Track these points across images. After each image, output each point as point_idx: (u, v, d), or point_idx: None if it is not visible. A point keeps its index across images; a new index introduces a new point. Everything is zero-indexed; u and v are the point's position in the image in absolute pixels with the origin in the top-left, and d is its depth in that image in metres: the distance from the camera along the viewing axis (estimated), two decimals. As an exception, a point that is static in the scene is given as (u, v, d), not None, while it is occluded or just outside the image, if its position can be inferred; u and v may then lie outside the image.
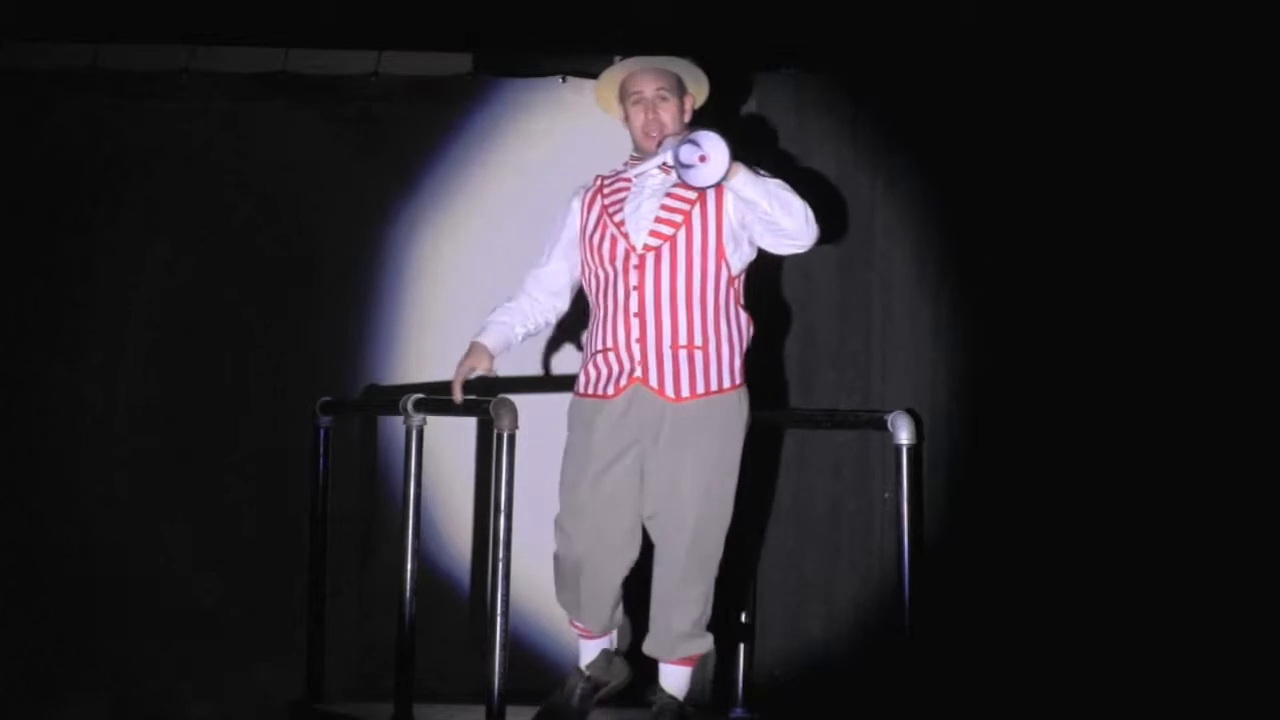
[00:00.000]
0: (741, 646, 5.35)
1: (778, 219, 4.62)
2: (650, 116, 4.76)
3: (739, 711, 5.28)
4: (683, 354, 4.70)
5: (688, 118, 4.82)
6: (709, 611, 4.78)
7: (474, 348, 4.83)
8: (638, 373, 4.71)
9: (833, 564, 6.20)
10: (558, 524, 4.79)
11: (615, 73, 4.82)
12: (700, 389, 4.71)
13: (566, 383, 6.06)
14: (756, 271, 6.11)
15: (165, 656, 6.26)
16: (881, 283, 6.24)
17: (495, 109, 6.38)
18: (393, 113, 6.38)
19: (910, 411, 4.70)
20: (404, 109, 6.38)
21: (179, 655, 6.26)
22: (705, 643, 4.81)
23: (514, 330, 4.88)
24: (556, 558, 4.84)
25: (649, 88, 4.77)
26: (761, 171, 4.68)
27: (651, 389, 4.70)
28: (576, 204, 4.88)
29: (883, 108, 6.24)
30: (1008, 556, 6.00)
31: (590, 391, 4.77)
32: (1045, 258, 6.09)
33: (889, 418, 4.70)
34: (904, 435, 4.66)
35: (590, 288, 4.83)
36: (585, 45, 6.24)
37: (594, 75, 5.88)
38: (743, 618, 5.51)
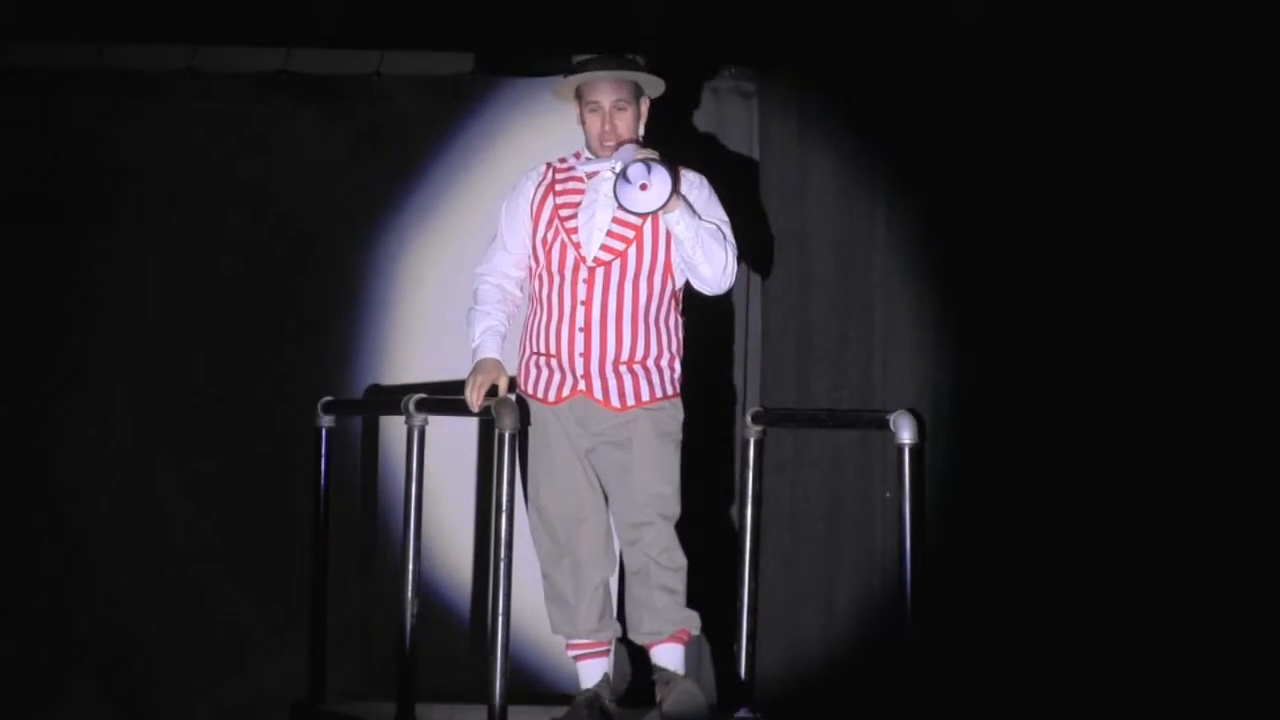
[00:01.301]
0: (743, 647, 5.33)
1: (698, 265, 4.73)
2: (607, 127, 4.81)
3: (741, 712, 5.27)
4: (623, 369, 4.81)
5: (644, 120, 4.88)
6: (685, 580, 4.87)
7: (484, 364, 4.86)
8: (581, 386, 4.82)
9: (834, 564, 6.20)
10: (533, 530, 4.91)
11: (571, 82, 4.88)
12: (645, 397, 4.82)
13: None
14: (757, 271, 6.13)
15: (166, 657, 6.25)
16: (883, 283, 6.24)
17: (497, 109, 6.38)
18: (395, 112, 6.37)
19: (912, 411, 4.70)
20: (406, 108, 6.37)
21: (180, 655, 6.25)
22: (693, 618, 4.89)
23: (505, 327, 4.95)
24: (544, 580, 4.93)
25: (606, 99, 4.82)
26: (703, 199, 4.77)
27: (596, 400, 4.81)
28: (527, 190, 4.93)
29: (884, 109, 6.24)
30: (1008, 556, 6.00)
31: (535, 393, 4.88)
32: (1046, 258, 6.09)
33: (891, 418, 4.70)
34: (906, 435, 4.66)
35: (536, 284, 4.89)
36: (586, 45, 6.23)
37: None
38: (744, 618, 5.50)
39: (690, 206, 4.72)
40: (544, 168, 4.97)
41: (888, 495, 5.98)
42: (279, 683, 6.07)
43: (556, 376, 4.83)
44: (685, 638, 4.89)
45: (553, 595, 4.93)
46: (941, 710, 4.82)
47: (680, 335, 4.91)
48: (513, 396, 4.85)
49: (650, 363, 4.82)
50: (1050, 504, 5.99)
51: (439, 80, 6.39)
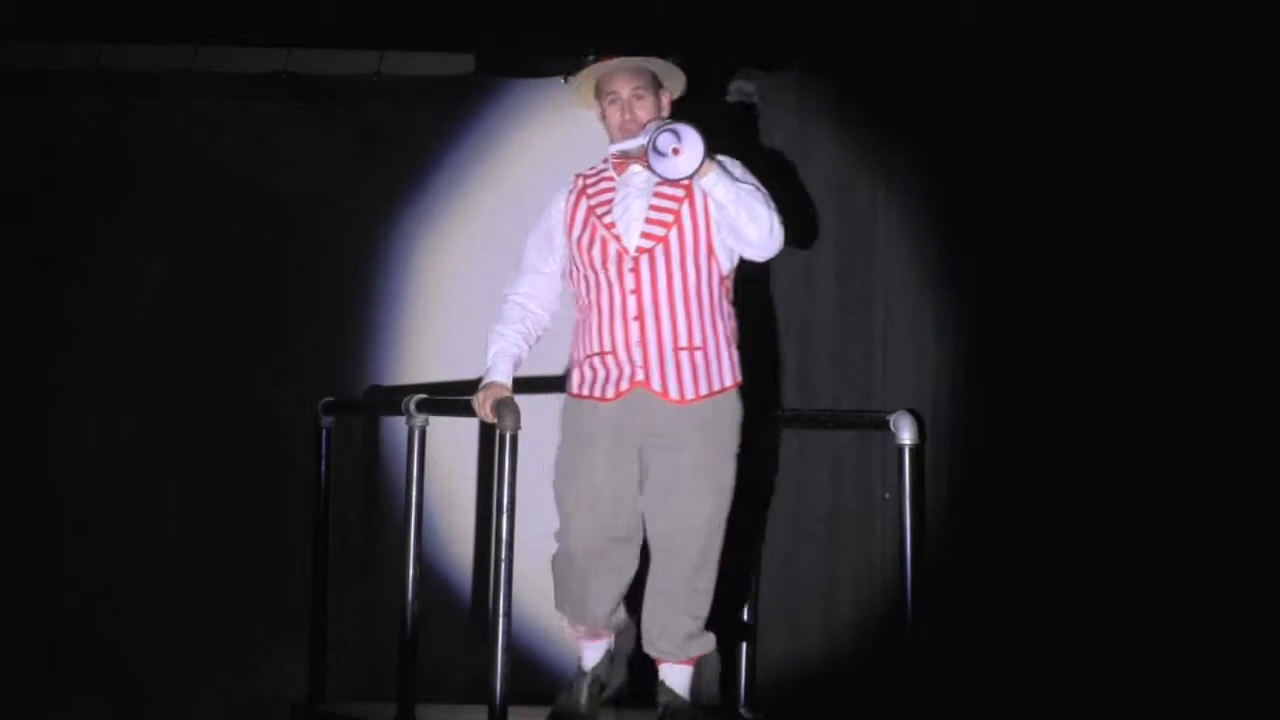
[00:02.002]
0: (743, 647, 5.34)
1: (741, 225, 4.64)
2: (627, 116, 4.75)
3: (742, 712, 5.28)
4: (684, 355, 4.71)
5: (665, 113, 4.82)
6: (709, 605, 4.79)
7: (491, 388, 4.79)
8: (639, 375, 4.71)
9: (834, 564, 6.20)
10: (562, 523, 4.78)
11: (589, 74, 4.82)
12: (704, 389, 4.71)
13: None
14: (757, 271, 6.12)
15: (167, 657, 6.26)
16: (883, 283, 6.24)
17: (497, 109, 6.38)
18: (394, 113, 6.37)
19: (912, 411, 4.70)
20: (406, 109, 6.37)
21: (180, 656, 6.26)
22: (709, 641, 4.81)
23: (521, 353, 4.86)
24: (556, 560, 4.83)
25: (624, 88, 4.76)
26: (737, 173, 4.71)
27: (654, 392, 4.70)
28: (559, 207, 4.86)
29: (884, 108, 6.24)
30: (1009, 556, 6.00)
31: (586, 393, 4.77)
32: (1047, 258, 6.09)
33: (891, 418, 4.70)
34: (906, 435, 4.67)
35: (580, 289, 4.80)
36: (587, 45, 6.24)
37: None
38: (744, 618, 5.51)
39: (725, 169, 4.65)
40: (573, 179, 4.90)
41: (887, 495, 5.98)
42: (279, 683, 6.08)
43: (614, 372, 4.71)
44: (696, 661, 4.83)
45: (563, 586, 4.83)
46: (941, 710, 4.83)
47: (733, 323, 4.79)
48: (513, 397, 4.84)
49: (711, 349, 4.71)
50: (1051, 504, 5.99)
51: (439, 81, 6.39)
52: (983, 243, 6.15)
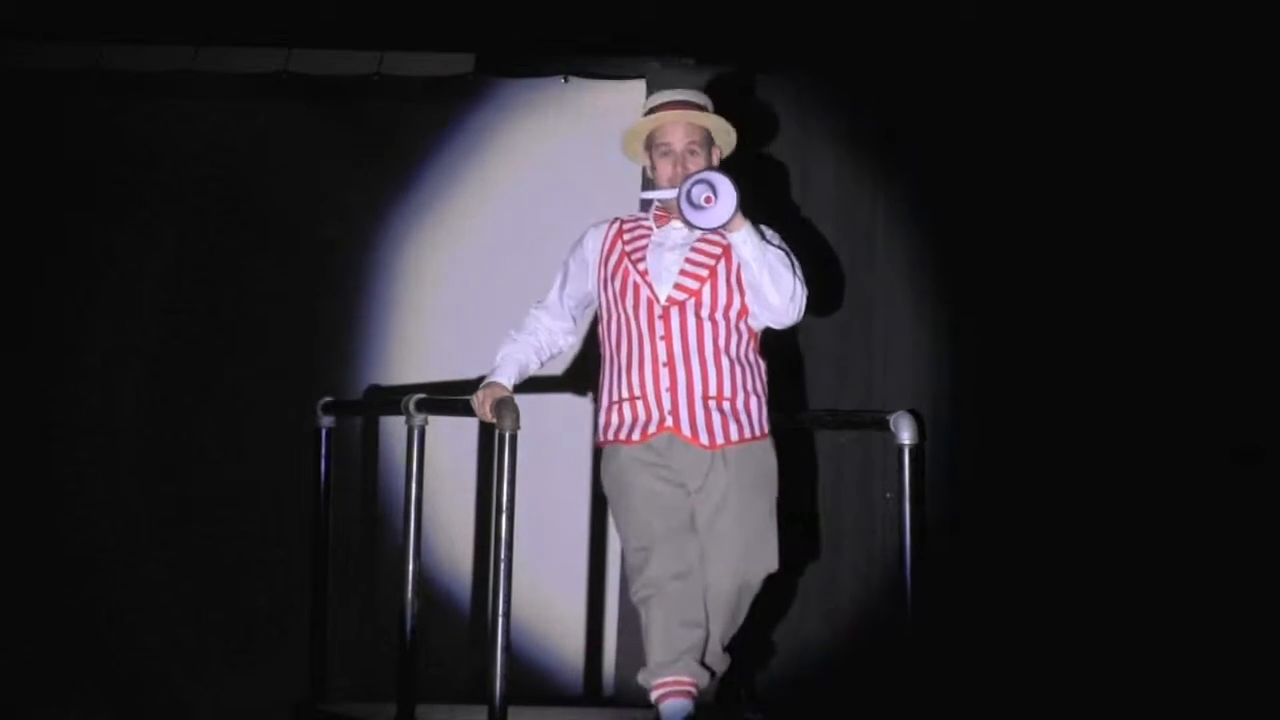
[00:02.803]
0: (744, 647, 5.33)
1: (763, 287, 4.59)
2: (678, 170, 4.66)
3: (743, 712, 5.28)
4: (712, 404, 4.64)
5: None
6: (728, 637, 4.74)
7: (492, 388, 4.75)
8: (669, 422, 4.64)
9: (834, 564, 6.20)
10: (635, 564, 4.64)
11: (645, 124, 4.71)
12: (735, 437, 4.65)
13: (568, 383, 6.08)
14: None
15: (168, 657, 6.26)
16: (883, 284, 6.24)
17: (497, 109, 6.38)
18: (394, 113, 6.38)
19: (912, 411, 4.71)
20: (406, 109, 6.37)
21: (182, 656, 6.26)
22: (725, 661, 4.76)
23: (530, 363, 4.81)
24: (640, 604, 4.64)
25: (679, 142, 4.67)
26: (769, 238, 4.65)
27: (684, 437, 4.64)
28: (593, 241, 4.78)
29: (884, 110, 6.24)
30: (1008, 556, 6.01)
31: (621, 437, 4.68)
32: (1046, 258, 6.09)
33: (891, 418, 4.70)
34: (906, 435, 4.67)
35: (610, 331, 4.73)
36: (587, 45, 6.25)
37: (596, 75, 5.88)
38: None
39: (759, 230, 4.60)
40: (611, 220, 4.81)
41: (888, 495, 5.98)
42: (279, 683, 6.07)
43: (643, 417, 4.64)
44: (693, 694, 4.66)
45: (654, 622, 4.62)
46: (941, 709, 4.83)
47: (764, 378, 4.73)
48: (513, 397, 4.84)
49: (740, 403, 4.63)
50: (1050, 503, 6.00)
51: (439, 80, 6.39)
52: (983, 244, 6.16)
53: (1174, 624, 5.87)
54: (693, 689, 4.60)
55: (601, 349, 4.76)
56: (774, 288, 4.58)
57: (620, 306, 4.68)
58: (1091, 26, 6.07)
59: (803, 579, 6.19)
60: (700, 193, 4.49)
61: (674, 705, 4.59)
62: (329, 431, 5.66)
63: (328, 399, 5.71)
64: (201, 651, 6.27)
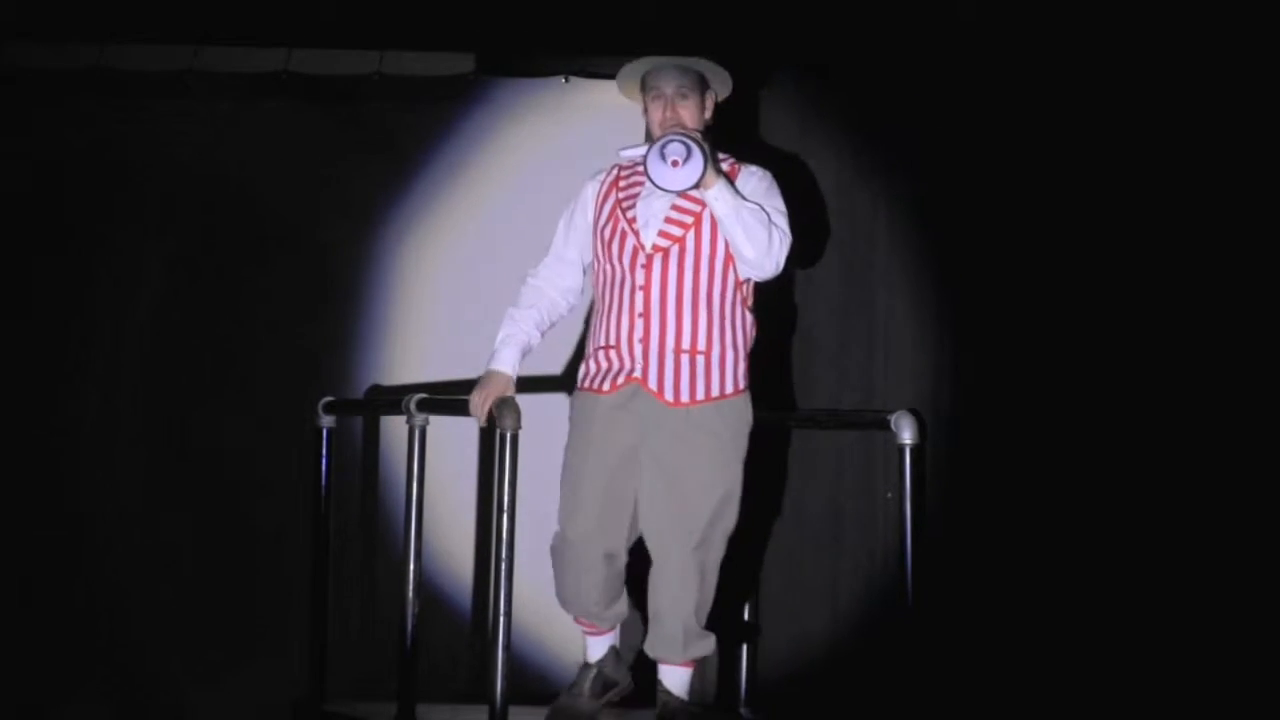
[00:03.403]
0: (745, 646, 5.34)
1: (738, 243, 4.63)
2: (669, 114, 4.72)
3: (742, 712, 5.28)
4: (684, 358, 4.69)
5: (709, 114, 4.80)
6: (708, 608, 4.77)
7: (494, 377, 4.77)
8: (636, 373, 4.70)
9: (835, 564, 6.20)
10: (560, 511, 4.76)
11: (635, 68, 4.78)
12: (700, 394, 4.69)
13: (568, 383, 6.07)
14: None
15: (168, 657, 6.26)
16: (884, 283, 6.24)
17: (497, 109, 6.38)
18: (394, 113, 6.37)
19: (912, 411, 4.71)
20: (406, 109, 6.37)
21: (182, 655, 6.26)
22: (710, 643, 4.80)
23: (532, 340, 4.85)
24: (553, 550, 4.80)
25: (669, 85, 4.73)
26: (756, 186, 4.69)
27: (650, 391, 4.69)
28: (590, 192, 4.85)
29: (885, 110, 6.24)
30: (1009, 556, 6.01)
31: (590, 386, 4.76)
32: (1047, 258, 6.09)
33: (892, 418, 4.70)
34: (907, 435, 4.67)
35: (597, 282, 4.80)
36: (587, 45, 6.24)
37: (597, 75, 5.88)
38: (745, 617, 5.51)
39: (733, 187, 4.63)
40: (610, 167, 4.87)
41: (889, 495, 5.98)
42: (279, 683, 6.07)
43: (614, 366, 4.70)
44: (695, 663, 4.82)
45: (561, 577, 4.80)
46: (943, 708, 4.83)
47: (749, 332, 4.76)
48: (514, 397, 4.84)
49: (714, 356, 4.68)
50: (1050, 503, 5.99)
51: (439, 80, 6.39)
52: (983, 243, 6.16)
53: (1174, 623, 5.86)
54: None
55: (595, 299, 4.81)
56: (748, 242, 4.62)
57: (608, 253, 4.74)
58: (1091, 26, 6.07)
59: (803, 578, 6.19)
60: (676, 151, 4.51)
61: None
62: (329, 431, 5.66)
63: (328, 399, 5.70)
64: (201, 651, 6.26)
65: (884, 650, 5.67)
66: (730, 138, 6.30)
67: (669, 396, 4.68)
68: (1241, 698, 5.78)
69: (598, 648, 4.93)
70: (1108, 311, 6.05)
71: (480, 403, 4.76)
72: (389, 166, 6.38)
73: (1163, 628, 5.87)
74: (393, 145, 6.39)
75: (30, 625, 6.26)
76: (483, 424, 4.79)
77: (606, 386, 4.72)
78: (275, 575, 6.24)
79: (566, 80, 6.32)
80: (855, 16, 6.16)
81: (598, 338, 4.76)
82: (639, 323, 4.70)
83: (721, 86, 4.82)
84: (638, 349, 4.70)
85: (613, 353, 4.72)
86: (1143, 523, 5.94)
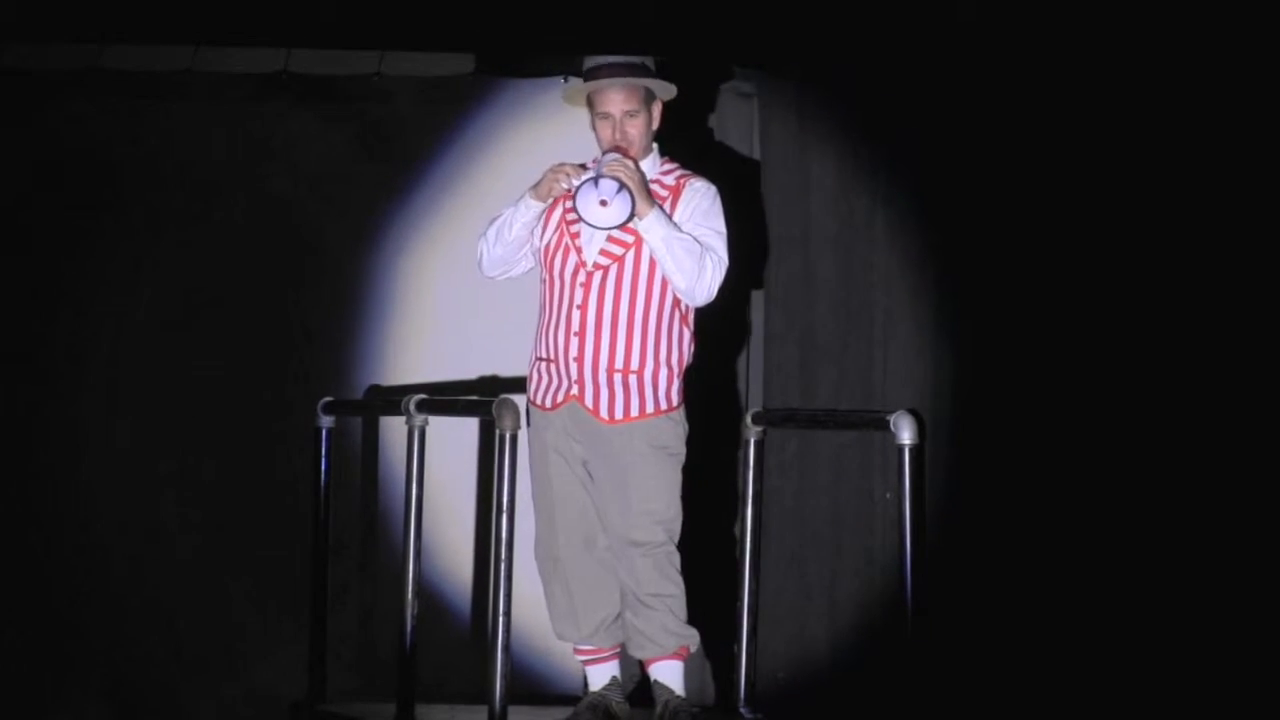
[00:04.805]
0: (744, 647, 5.34)
1: (669, 273, 4.69)
2: (618, 135, 4.77)
3: (742, 712, 5.28)
4: (618, 378, 4.75)
5: (657, 124, 4.83)
6: (684, 605, 4.81)
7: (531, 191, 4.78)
8: (574, 390, 4.77)
9: (834, 564, 6.20)
10: (538, 531, 4.84)
11: (580, 90, 4.82)
12: (635, 412, 4.76)
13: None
14: (758, 273, 6.13)
15: (167, 657, 6.26)
16: (883, 284, 6.24)
17: (497, 109, 6.39)
18: (395, 113, 6.38)
19: (912, 411, 4.71)
20: (406, 109, 6.38)
21: (181, 656, 6.26)
22: (693, 635, 4.83)
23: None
24: (542, 574, 4.87)
25: (616, 108, 4.77)
26: (700, 205, 4.73)
27: (586, 409, 4.76)
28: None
29: (884, 110, 6.24)
30: (1008, 556, 6.00)
31: (537, 400, 4.84)
32: (1046, 259, 6.09)
33: (891, 418, 4.70)
34: (906, 435, 4.67)
35: (541, 293, 4.86)
36: (587, 45, 6.23)
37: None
38: (745, 618, 5.50)
39: (666, 216, 4.69)
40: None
41: (888, 495, 5.98)
42: (279, 683, 6.08)
43: (555, 382, 4.79)
44: (685, 654, 4.85)
45: (553, 601, 4.89)
46: (942, 709, 4.83)
47: (686, 349, 4.82)
48: (514, 396, 4.85)
49: (647, 374, 4.75)
50: (1050, 503, 5.99)
51: (439, 81, 6.40)
52: (982, 243, 6.15)
53: (1174, 623, 5.86)
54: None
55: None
56: (678, 273, 4.68)
57: (550, 267, 4.80)
58: (1091, 26, 6.07)
59: (803, 579, 6.19)
60: (609, 188, 4.57)
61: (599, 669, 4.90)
62: (329, 431, 5.66)
63: (328, 399, 5.71)
64: (201, 651, 6.27)
65: (883, 650, 5.67)
66: (729, 137, 6.35)
67: (604, 414, 4.76)
68: (1241, 698, 5.78)
69: (599, 676, 4.94)
70: (1107, 311, 6.04)
71: (553, 171, 4.74)
72: (389, 167, 6.39)
73: (1163, 628, 5.87)
74: (392, 145, 6.40)
75: (30, 626, 6.26)
76: (571, 182, 4.68)
77: (549, 403, 4.80)
78: (275, 575, 6.25)
79: (566, 80, 6.31)
80: (855, 16, 6.16)
81: (539, 348, 4.84)
82: (574, 340, 4.75)
83: (666, 93, 4.84)
84: (573, 367, 4.76)
85: (552, 366, 4.79)
86: (1143, 523, 5.93)
